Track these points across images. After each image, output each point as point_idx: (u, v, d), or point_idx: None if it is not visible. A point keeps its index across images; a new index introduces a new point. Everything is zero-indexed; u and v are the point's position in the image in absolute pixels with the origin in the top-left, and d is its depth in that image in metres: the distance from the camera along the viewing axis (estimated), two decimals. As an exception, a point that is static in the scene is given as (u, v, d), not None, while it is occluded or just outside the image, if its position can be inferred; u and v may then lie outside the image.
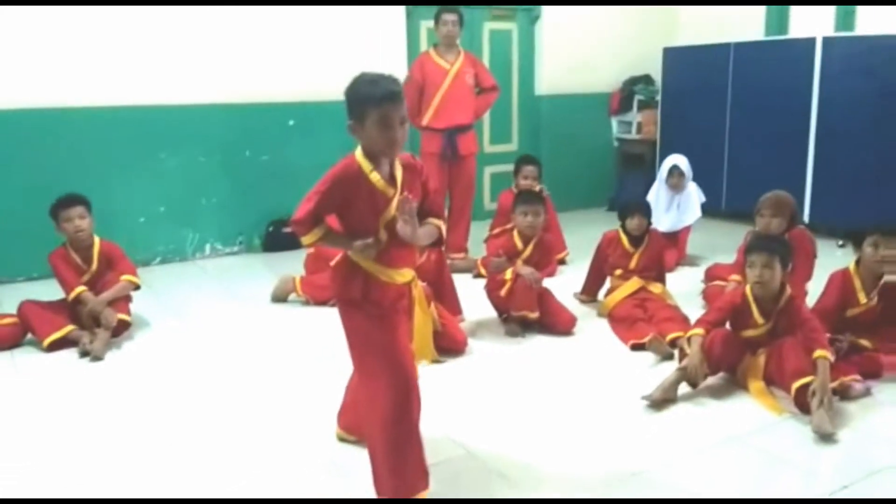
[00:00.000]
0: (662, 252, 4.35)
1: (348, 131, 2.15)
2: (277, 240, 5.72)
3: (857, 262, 3.34)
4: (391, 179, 2.17)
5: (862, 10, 6.31)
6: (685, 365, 3.07)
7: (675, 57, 7.01)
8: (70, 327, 3.72)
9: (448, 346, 3.49)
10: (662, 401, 2.99)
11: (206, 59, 5.43)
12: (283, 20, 5.64)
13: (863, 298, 3.26)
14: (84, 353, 3.60)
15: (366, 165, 2.14)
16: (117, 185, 5.19)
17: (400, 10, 6.10)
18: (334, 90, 5.65)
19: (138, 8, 5.14)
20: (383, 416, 2.16)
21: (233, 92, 5.54)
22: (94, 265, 3.93)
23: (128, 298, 3.99)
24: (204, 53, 5.41)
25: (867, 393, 3.03)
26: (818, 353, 2.89)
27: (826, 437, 2.68)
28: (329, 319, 4.07)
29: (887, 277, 3.26)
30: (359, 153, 2.16)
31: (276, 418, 2.93)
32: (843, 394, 2.99)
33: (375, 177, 2.13)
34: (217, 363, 3.54)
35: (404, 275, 2.27)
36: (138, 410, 3.03)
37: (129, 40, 5.16)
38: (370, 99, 2.07)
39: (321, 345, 3.64)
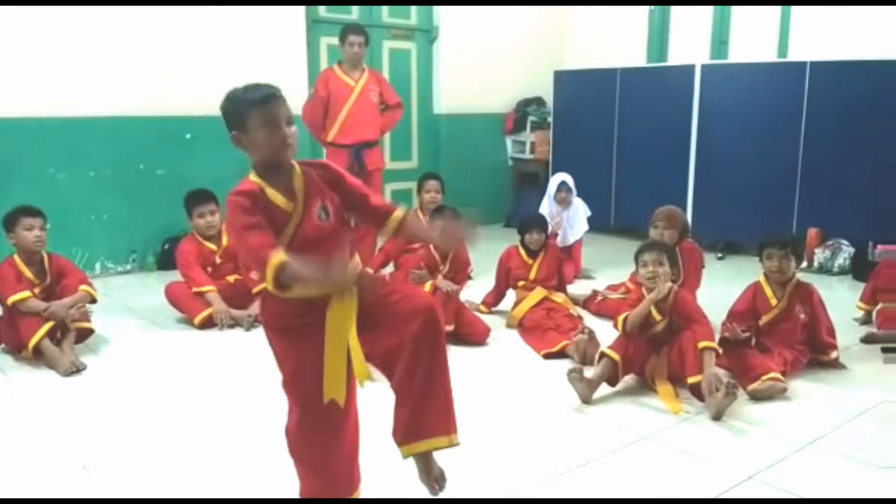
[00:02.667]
0: (561, 262, 4.55)
1: (234, 145, 1.99)
2: (173, 257, 5.50)
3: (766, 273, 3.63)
4: (290, 193, 1.98)
5: (734, 41, 6.85)
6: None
7: (564, 80, 7.33)
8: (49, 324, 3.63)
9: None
10: (583, 378, 3.18)
11: (100, 70, 5.22)
12: (181, 31, 5.50)
13: (773, 300, 3.53)
14: (70, 372, 3.49)
15: (259, 182, 1.97)
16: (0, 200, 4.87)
17: (300, 25, 6.08)
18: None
19: (23, 10, 4.88)
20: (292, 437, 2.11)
21: (127, 104, 5.35)
22: (48, 278, 3.81)
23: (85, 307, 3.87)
24: (97, 64, 5.20)
25: (783, 391, 3.25)
26: (702, 343, 3.15)
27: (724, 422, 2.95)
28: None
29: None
30: (252, 174, 2.00)
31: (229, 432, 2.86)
32: (763, 392, 3.21)
33: (270, 191, 1.96)
34: (151, 386, 3.43)
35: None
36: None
37: (12, 48, 4.89)
38: (250, 101, 1.94)
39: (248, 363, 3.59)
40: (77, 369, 3.52)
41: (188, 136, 5.65)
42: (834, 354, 3.60)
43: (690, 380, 3.15)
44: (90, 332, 3.90)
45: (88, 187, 5.31)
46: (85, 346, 3.85)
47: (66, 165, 5.21)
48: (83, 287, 3.84)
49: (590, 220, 5.69)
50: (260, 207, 1.93)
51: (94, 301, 3.93)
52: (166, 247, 5.58)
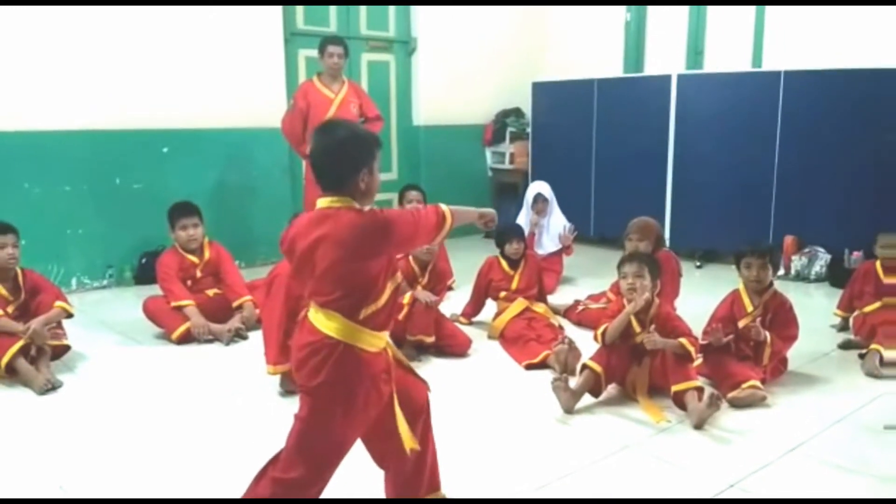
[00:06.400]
0: (541, 272, 4.56)
1: (357, 182, 1.95)
2: (151, 271, 5.45)
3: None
4: None
5: (709, 51, 6.94)
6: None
7: (542, 91, 7.36)
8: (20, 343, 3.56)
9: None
10: (567, 388, 3.20)
11: (75, 83, 5.16)
12: (158, 44, 5.46)
13: (749, 307, 3.52)
14: (46, 390, 3.43)
15: None
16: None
17: (278, 38, 6.05)
18: (211, 117, 5.72)
19: (-3, 26, 4.83)
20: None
21: (103, 118, 5.29)
22: (23, 295, 3.76)
23: (60, 324, 3.83)
24: (72, 77, 5.15)
25: (763, 399, 3.26)
26: (681, 340, 3.20)
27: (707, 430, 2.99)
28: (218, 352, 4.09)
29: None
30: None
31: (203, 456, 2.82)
32: (744, 400, 3.22)
33: None
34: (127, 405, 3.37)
35: (383, 338, 2.06)
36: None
37: (-14, 61, 4.84)
38: (377, 142, 2.02)
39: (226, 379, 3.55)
40: (53, 387, 3.47)
41: (165, 149, 5.60)
42: (767, 355, 3.45)
43: (674, 388, 3.16)
44: (66, 348, 3.85)
45: (64, 202, 5.24)
46: (61, 363, 3.80)
47: (40, 180, 5.14)
48: (59, 303, 3.79)
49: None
50: None
51: (70, 316, 3.87)
52: (143, 261, 5.51)
